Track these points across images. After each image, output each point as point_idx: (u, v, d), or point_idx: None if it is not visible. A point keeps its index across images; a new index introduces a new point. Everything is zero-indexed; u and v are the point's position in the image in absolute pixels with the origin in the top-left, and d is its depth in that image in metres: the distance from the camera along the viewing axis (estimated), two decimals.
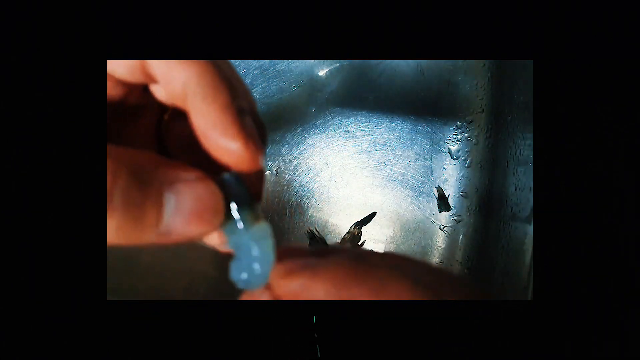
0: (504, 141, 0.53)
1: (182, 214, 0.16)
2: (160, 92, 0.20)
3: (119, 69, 0.19)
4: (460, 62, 0.58)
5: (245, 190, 0.18)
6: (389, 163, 0.59)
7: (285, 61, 0.59)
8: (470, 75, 0.58)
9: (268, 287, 0.20)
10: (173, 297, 0.56)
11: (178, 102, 0.18)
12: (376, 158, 0.59)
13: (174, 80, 0.18)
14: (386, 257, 0.20)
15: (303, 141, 0.59)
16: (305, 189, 0.59)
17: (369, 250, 0.19)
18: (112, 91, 0.20)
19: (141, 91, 0.21)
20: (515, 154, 0.50)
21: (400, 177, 0.59)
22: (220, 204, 0.17)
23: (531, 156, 0.45)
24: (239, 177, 0.18)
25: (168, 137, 0.22)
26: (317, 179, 0.59)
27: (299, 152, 0.59)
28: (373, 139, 0.59)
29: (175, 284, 0.56)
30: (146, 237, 0.16)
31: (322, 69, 0.59)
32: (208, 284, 0.56)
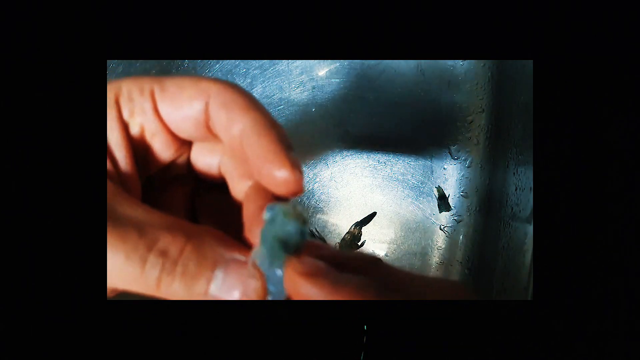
0: (504, 141, 0.53)
1: (226, 291, 0.19)
2: (203, 160, 0.24)
3: (185, 127, 0.22)
4: (460, 62, 0.58)
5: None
6: (389, 163, 0.59)
7: (285, 61, 0.59)
8: (470, 75, 0.58)
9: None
10: None
11: (234, 145, 0.22)
12: (376, 158, 0.59)
13: (234, 126, 0.21)
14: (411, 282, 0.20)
15: (303, 141, 0.59)
16: (305, 189, 0.59)
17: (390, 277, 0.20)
18: (167, 156, 0.24)
19: (185, 162, 0.24)
20: (515, 154, 0.50)
21: (400, 177, 0.59)
22: (259, 289, 0.19)
23: (531, 156, 0.45)
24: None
25: (200, 208, 0.26)
26: (317, 179, 0.59)
27: (299, 153, 0.59)
28: (373, 139, 0.59)
29: None
30: (194, 298, 0.19)
31: (322, 69, 0.59)
32: None
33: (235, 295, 0.19)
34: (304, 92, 0.59)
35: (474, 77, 0.58)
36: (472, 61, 0.58)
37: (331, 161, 0.59)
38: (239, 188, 0.23)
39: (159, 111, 0.22)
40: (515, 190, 0.48)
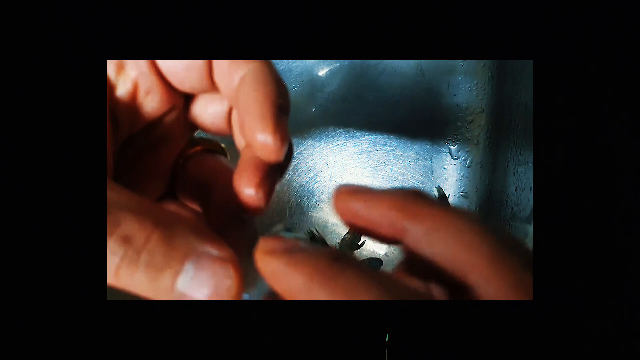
0: (504, 141, 0.53)
1: (195, 287, 0.17)
2: (212, 109, 0.23)
3: (188, 77, 0.21)
4: (460, 62, 0.58)
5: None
6: (389, 163, 0.59)
7: (285, 61, 0.59)
8: (470, 75, 0.58)
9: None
10: None
11: (231, 98, 0.21)
12: (376, 158, 0.59)
13: (235, 74, 0.20)
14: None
15: (303, 141, 0.59)
16: (305, 189, 0.59)
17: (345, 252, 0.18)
18: (157, 113, 0.22)
19: (172, 121, 0.23)
20: (516, 154, 0.50)
21: (400, 177, 0.59)
22: (234, 287, 0.17)
23: (531, 156, 0.45)
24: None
25: (178, 178, 0.24)
26: (317, 179, 0.59)
27: (299, 152, 0.59)
28: (373, 139, 0.59)
29: None
30: (159, 295, 0.17)
31: (322, 69, 0.59)
32: None
33: (204, 292, 0.17)
34: (304, 92, 0.59)
35: (474, 77, 0.58)
36: (472, 61, 0.58)
37: (331, 161, 0.59)
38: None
39: (157, 65, 0.21)
40: (515, 190, 0.48)
